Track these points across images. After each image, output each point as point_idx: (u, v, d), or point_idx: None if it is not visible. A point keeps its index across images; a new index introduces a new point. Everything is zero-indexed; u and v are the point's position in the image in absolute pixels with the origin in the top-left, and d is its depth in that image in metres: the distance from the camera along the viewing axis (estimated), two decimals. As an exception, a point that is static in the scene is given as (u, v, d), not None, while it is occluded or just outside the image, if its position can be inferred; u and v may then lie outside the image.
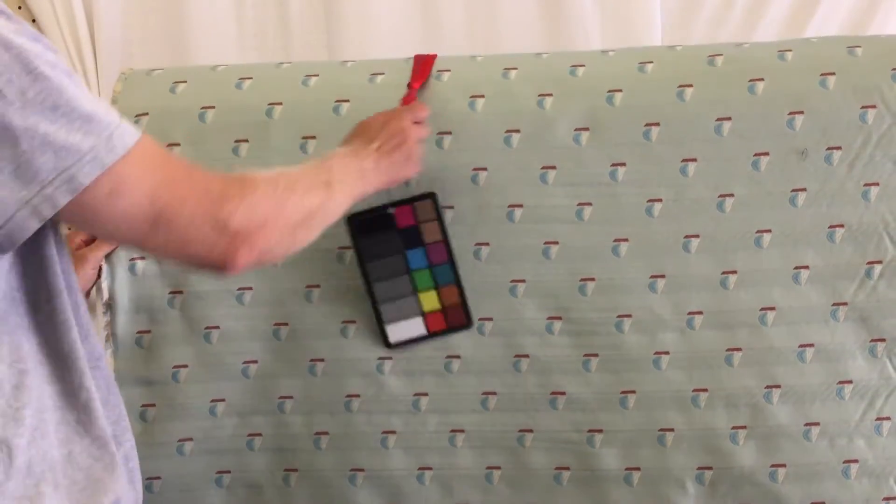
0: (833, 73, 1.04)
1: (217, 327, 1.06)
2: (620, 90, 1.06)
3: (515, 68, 1.09)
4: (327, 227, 0.85)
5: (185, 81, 1.11)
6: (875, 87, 1.04)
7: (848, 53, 1.06)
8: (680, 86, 1.06)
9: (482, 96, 1.06)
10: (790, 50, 1.07)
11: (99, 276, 1.04)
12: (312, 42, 1.51)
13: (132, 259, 1.05)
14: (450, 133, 1.06)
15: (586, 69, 1.07)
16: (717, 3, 1.48)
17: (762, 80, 1.05)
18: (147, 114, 1.09)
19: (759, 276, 1.04)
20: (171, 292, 1.06)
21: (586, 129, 1.06)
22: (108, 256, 1.04)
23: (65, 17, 1.50)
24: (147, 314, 1.06)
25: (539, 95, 1.07)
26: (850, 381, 1.03)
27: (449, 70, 1.09)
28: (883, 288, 1.03)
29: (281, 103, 1.08)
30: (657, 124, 1.06)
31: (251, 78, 1.11)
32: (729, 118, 1.05)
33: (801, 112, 1.04)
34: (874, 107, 1.04)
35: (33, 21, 1.54)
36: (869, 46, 1.07)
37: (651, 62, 1.07)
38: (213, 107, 1.09)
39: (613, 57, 1.11)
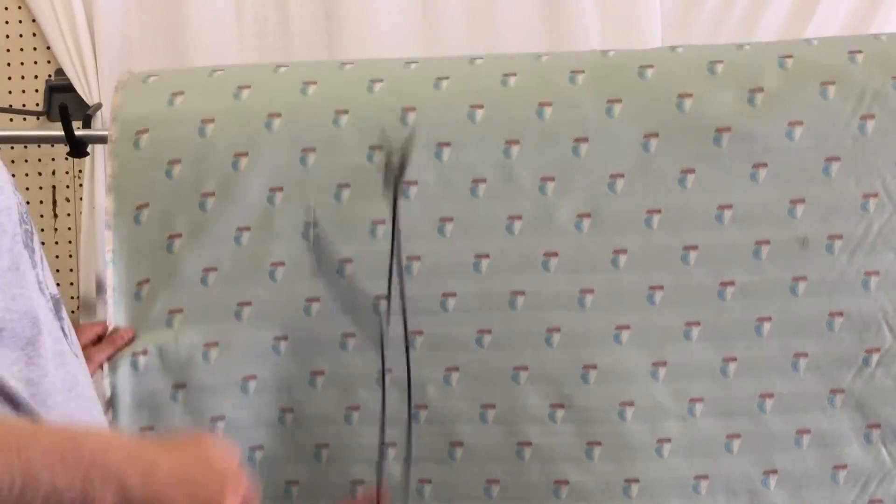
0: (838, 159, 1.05)
1: (222, 417, 1.07)
2: (623, 175, 1.06)
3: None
4: None
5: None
6: (879, 175, 1.04)
7: (859, 132, 1.05)
8: (682, 171, 1.06)
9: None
10: (800, 123, 1.06)
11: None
12: (312, 42, 1.50)
13: (135, 354, 1.05)
14: (452, 219, 1.07)
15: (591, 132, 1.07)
16: (717, 3, 1.47)
17: (765, 165, 1.05)
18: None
19: (758, 364, 1.05)
20: (174, 386, 1.06)
21: (588, 215, 1.06)
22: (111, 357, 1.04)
23: (65, 17, 1.49)
24: (149, 410, 1.05)
25: (541, 180, 1.07)
26: (845, 466, 1.05)
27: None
28: (880, 375, 1.05)
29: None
30: (658, 211, 1.06)
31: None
32: (730, 206, 1.05)
33: (802, 201, 1.05)
34: (875, 195, 1.04)
35: (33, 21, 1.54)
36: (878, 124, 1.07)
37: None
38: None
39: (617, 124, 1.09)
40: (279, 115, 1.07)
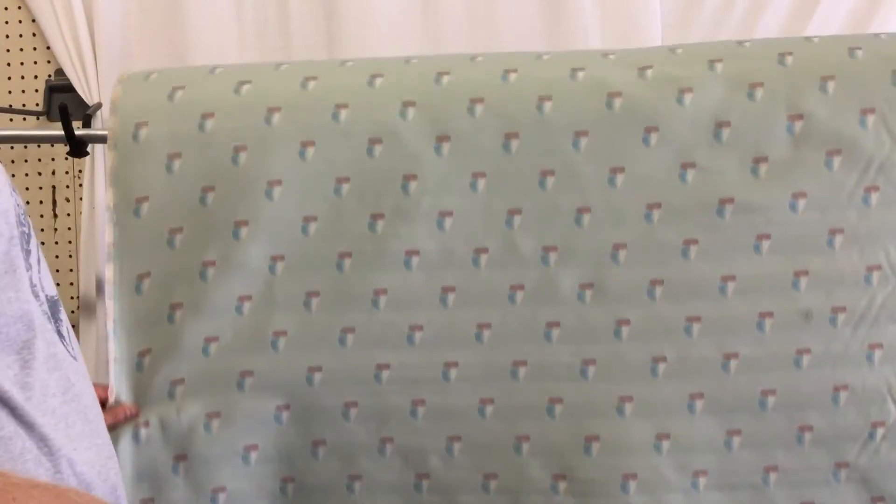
0: (842, 231, 1.04)
1: (223, 489, 1.06)
2: (626, 246, 1.06)
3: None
4: None
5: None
6: (882, 247, 1.04)
7: (863, 204, 1.05)
8: (685, 241, 1.05)
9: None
10: (803, 195, 1.05)
11: None
12: (312, 42, 1.51)
13: (136, 426, 1.05)
14: (454, 288, 1.06)
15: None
16: (717, 3, 1.47)
17: (768, 237, 1.05)
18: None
19: (763, 437, 1.05)
20: (175, 457, 1.05)
21: (590, 285, 1.06)
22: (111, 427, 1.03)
23: (65, 17, 1.49)
24: (150, 482, 1.05)
25: (543, 250, 1.06)
26: (850, 539, 1.05)
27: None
28: (886, 450, 1.04)
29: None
30: (661, 282, 1.05)
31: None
32: (733, 277, 1.04)
33: (806, 273, 1.04)
34: (879, 268, 1.04)
35: (33, 21, 1.54)
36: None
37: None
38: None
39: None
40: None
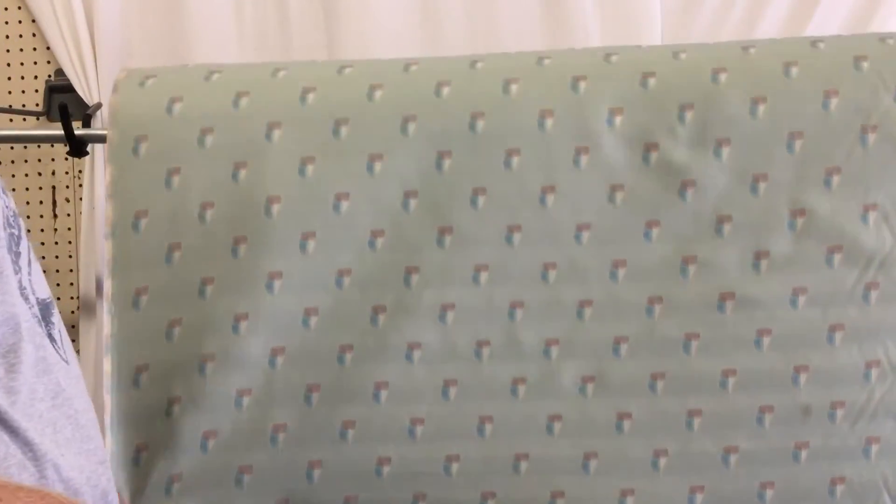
0: (842, 327, 1.05)
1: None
2: (627, 340, 1.06)
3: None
4: None
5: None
6: (881, 343, 1.05)
7: (862, 302, 1.05)
8: (687, 335, 1.06)
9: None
10: (804, 291, 1.06)
11: None
12: (312, 42, 1.51)
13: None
14: (455, 381, 1.06)
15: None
16: (717, 3, 1.48)
17: (769, 332, 1.05)
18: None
19: (761, 530, 1.06)
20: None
21: (592, 378, 1.06)
22: None
23: (65, 17, 1.49)
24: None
25: (545, 343, 1.06)
26: None
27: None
28: (881, 542, 1.06)
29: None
30: (662, 376, 1.06)
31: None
32: (734, 371, 1.05)
33: (806, 368, 1.05)
34: (878, 363, 1.05)
35: (33, 21, 1.53)
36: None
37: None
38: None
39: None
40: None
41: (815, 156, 1.05)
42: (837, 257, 1.05)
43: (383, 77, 1.08)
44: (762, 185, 1.05)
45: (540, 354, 1.06)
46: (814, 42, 1.08)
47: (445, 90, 1.07)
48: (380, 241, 1.06)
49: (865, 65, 1.05)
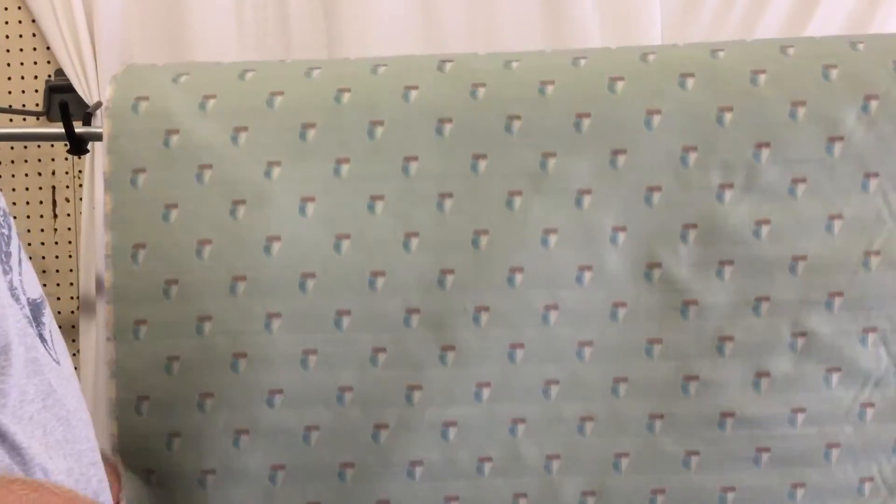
0: (838, 445, 1.06)
1: None
2: (628, 455, 1.07)
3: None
4: None
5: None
6: (875, 460, 1.07)
7: (858, 420, 1.07)
8: (687, 453, 1.07)
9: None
10: (803, 411, 1.07)
11: None
12: (312, 42, 1.51)
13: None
14: (457, 497, 1.06)
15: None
16: (717, 3, 1.49)
17: (768, 450, 1.07)
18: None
19: None
20: None
21: (592, 493, 1.07)
22: None
23: (65, 17, 1.49)
24: None
25: (546, 458, 1.07)
26: None
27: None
28: None
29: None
30: (663, 491, 1.07)
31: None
32: (733, 489, 1.06)
33: (804, 485, 1.06)
34: (871, 479, 1.07)
35: (33, 21, 1.54)
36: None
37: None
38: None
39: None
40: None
41: (817, 279, 1.05)
42: (836, 377, 1.06)
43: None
44: (764, 306, 1.06)
45: (541, 469, 1.07)
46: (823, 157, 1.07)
47: (448, 203, 1.06)
48: (381, 358, 1.06)
49: (872, 184, 1.05)
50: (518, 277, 1.06)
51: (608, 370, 1.07)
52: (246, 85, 1.07)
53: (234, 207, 1.04)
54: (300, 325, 1.05)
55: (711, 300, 1.06)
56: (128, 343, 1.05)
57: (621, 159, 1.06)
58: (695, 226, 1.05)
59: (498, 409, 1.06)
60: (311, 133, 1.05)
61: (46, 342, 0.74)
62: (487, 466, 1.07)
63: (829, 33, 1.44)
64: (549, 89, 1.06)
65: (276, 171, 1.05)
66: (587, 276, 1.06)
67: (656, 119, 1.05)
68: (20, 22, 1.56)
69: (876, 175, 1.05)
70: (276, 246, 1.04)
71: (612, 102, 1.05)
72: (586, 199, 1.06)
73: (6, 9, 1.56)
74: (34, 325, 0.72)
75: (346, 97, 1.06)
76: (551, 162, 1.06)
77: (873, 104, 1.04)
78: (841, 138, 1.05)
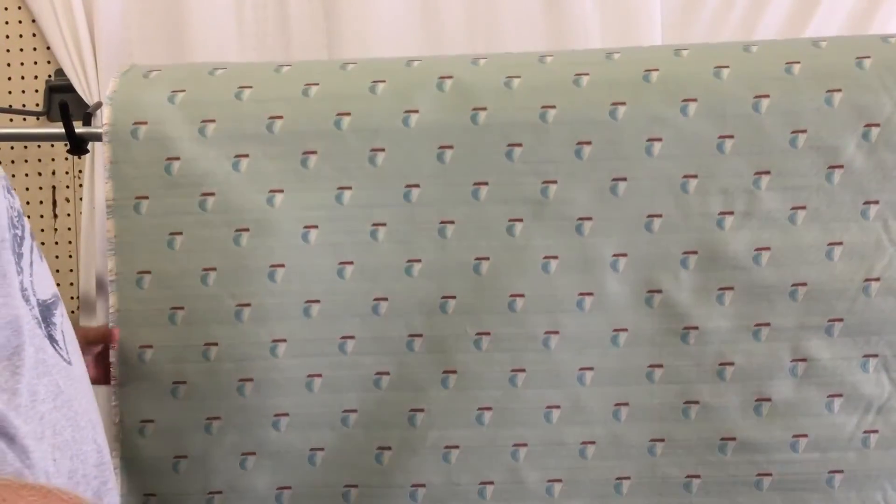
0: (841, 471, 1.06)
1: None
2: (630, 479, 1.08)
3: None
4: None
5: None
6: (880, 487, 1.06)
7: (861, 447, 1.07)
8: (688, 476, 1.07)
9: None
10: (805, 436, 1.07)
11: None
12: (312, 42, 1.52)
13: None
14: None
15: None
16: (717, 3, 1.48)
17: (769, 475, 1.07)
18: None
19: None
20: None
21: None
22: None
23: (65, 17, 1.50)
24: None
25: (548, 481, 1.08)
26: None
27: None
28: None
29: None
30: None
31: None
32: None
33: None
34: None
35: (33, 21, 1.55)
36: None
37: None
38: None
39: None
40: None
41: (817, 305, 1.05)
42: (837, 403, 1.06)
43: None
44: (764, 332, 1.06)
45: (543, 493, 1.08)
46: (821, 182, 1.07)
47: (450, 230, 1.07)
48: (385, 381, 1.08)
49: (872, 211, 1.05)
50: (519, 303, 1.07)
51: (609, 395, 1.07)
52: (244, 106, 1.09)
53: (238, 235, 1.06)
54: (305, 350, 1.07)
55: (712, 325, 1.06)
56: (133, 367, 1.07)
57: (622, 186, 1.06)
58: (695, 252, 1.06)
59: (499, 433, 1.08)
60: (313, 160, 1.07)
61: (57, 343, 0.74)
62: (489, 490, 1.08)
63: (829, 33, 1.42)
64: (551, 115, 1.06)
65: (278, 198, 1.07)
66: (588, 301, 1.07)
67: (657, 146, 1.05)
68: (20, 22, 1.57)
69: (876, 203, 1.05)
70: (279, 273, 1.06)
71: (613, 129, 1.06)
72: (587, 226, 1.07)
73: (6, 9, 1.57)
74: (42, 325, 0.73)
75: (346, 122, 1.08)
76: (552, 189, 1.06)
77: (874, 131, 1.04)
78: (841, 166, 1.04)
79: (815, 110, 1.05)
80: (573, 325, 1.07)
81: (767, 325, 1.06)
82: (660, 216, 1.06)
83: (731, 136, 1.05)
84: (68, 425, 0.71)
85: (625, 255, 1.06)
